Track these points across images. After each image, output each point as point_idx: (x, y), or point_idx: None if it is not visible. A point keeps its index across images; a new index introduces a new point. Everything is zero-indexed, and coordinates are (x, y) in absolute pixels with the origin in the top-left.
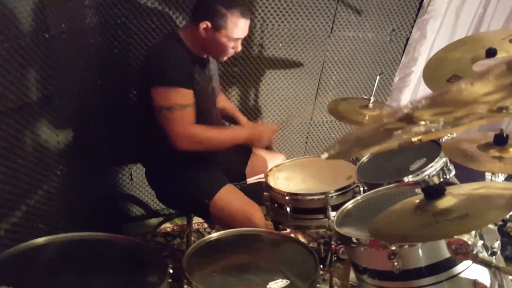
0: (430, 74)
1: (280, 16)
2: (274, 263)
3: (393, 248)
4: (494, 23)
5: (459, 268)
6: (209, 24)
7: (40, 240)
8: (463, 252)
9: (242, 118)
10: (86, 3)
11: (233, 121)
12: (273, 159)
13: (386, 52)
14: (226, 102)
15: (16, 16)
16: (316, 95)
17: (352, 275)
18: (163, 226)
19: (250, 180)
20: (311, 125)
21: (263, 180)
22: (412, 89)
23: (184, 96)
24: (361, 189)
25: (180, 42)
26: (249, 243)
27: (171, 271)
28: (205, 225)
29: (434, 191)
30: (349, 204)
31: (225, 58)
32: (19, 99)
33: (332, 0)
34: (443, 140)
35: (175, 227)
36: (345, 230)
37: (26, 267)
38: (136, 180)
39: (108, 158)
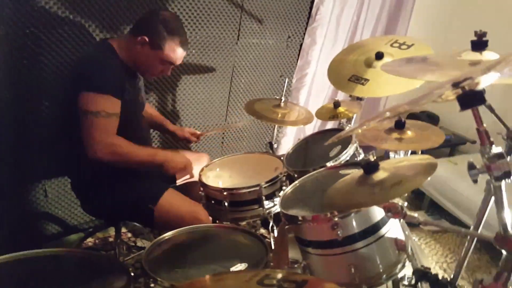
0: (334, 75)
1: (191, 24)
2: (228, 251)
3: (336, 219)
4: (365, 30)
5: (383, 230)
6: (147, 40)
7: None
8: (396, 212)
9: (170, 125)
10: None
11: (161, 128)
12: (198, 160)
13: (285, 56)
14: (153, 110)
15: None
16: (228, 97)
17: (291, 254)
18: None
19: (179, 182)
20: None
21: (190, 180)
22: (308, 89)
23: (112, 104)
24: (285, 178)
25: (113, 51)
26: (200, 238)
27: (132, 274)
28: (129, 235)
29: (371, 167)
30: (288, 189)
31: (151, 78)
32: None
33: (236, 10)
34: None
35: (96, 241)
36: (290, 211)
37: None
38: (51, 196)
39: (20, 175)
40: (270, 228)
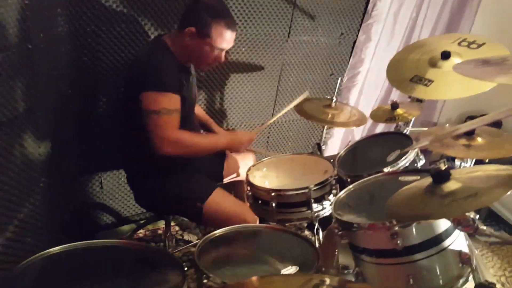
0: (393, 74)
1: (242, 21)
2: (278, 253)
3: (396, 228)
4: (425, 27)
5: (446, 242)
6: (194, 30)
7: (55, 249)
8: (467, 225)
9: (215, 125)
10: (59, 11)
11: (205, 128)
12: (244, 159)
13: (336, 54)
14: (199, 109)
15: (3, 26)
16: (276, 96)
17: (341, 259)
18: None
19: (226, 180)
20: (271, 125)
21: (236, 179)
22: (359, 88)
23: (172, 101)
24: (335, 181)
25: (167, 49)
26: (250, 238)
27: (186, 268)
28: (177, 228)
29: (443, 176)
30: (342, 194)
31: (206, 68)
32: (9, 112)
33: (288, 6)
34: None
35: (147, 233)
36: (345, 217)
37: (48, 275)
38: (106, 188)
39: (78, 167)
40: (315, 230)
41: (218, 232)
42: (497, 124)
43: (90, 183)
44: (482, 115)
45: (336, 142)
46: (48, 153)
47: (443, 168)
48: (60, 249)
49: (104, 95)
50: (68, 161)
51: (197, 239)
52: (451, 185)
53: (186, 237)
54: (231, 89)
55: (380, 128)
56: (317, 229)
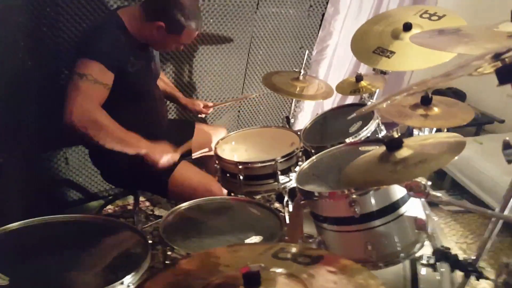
0: (357, 46)
1: None
2: (243, 224)
3: (354, 196)
4: (392, 0)
5: (402, 209)
6: (164, 26)
7: (14, 225)
8: (419, 190)
9: (182, 97)
10: None
11: (173, 100)
12: (216, 133)
13: (305, 27)
14: (166, 80)
15: None
16: (246, 69)
17: (307, 229)
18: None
19: (195, 155)
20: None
21: (207, 154)
22: (328, 61)
23: (101, 73)
24: (301, 153)
25: (120, 25)
26: (216, 209)
27: (150, 241)
28: (147, 204)
29: (394, 144)
30: (305, 165)
31: (163, 52)
32: None
33: None
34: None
35: (116, 208)
36: (307, 187)
37: (6, 252)
38: (72, 164)
39: (41, 143)
40: (284, 203)
41: (185, 205)
42: (460, 96)
43: (55, 159)
44: (449, 88)
45: (306, 115)
46: (6, 130)
47: (396, 136)
48: (18, 225)
49: (66, 66)
50: (30, 137)
51: None
52: (403, 152)
53: (156, 212)
54: (199, 62)
55: (349, 101)
56: (287, 201)
